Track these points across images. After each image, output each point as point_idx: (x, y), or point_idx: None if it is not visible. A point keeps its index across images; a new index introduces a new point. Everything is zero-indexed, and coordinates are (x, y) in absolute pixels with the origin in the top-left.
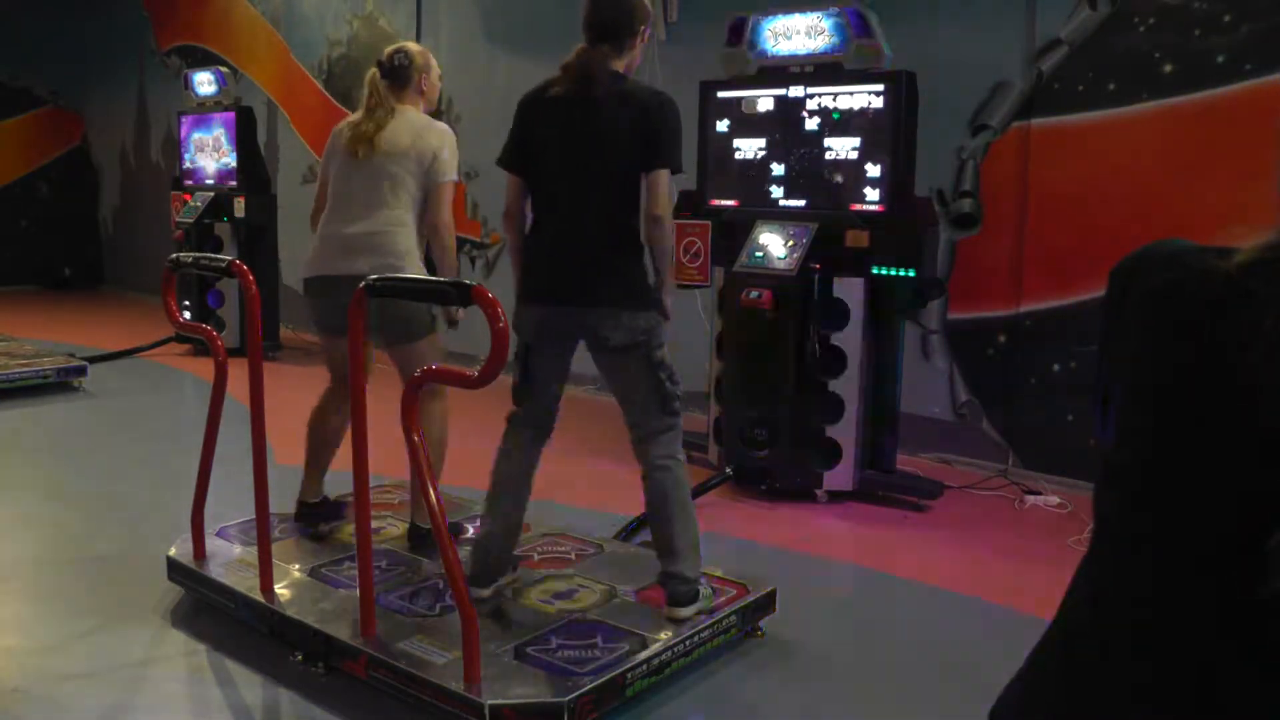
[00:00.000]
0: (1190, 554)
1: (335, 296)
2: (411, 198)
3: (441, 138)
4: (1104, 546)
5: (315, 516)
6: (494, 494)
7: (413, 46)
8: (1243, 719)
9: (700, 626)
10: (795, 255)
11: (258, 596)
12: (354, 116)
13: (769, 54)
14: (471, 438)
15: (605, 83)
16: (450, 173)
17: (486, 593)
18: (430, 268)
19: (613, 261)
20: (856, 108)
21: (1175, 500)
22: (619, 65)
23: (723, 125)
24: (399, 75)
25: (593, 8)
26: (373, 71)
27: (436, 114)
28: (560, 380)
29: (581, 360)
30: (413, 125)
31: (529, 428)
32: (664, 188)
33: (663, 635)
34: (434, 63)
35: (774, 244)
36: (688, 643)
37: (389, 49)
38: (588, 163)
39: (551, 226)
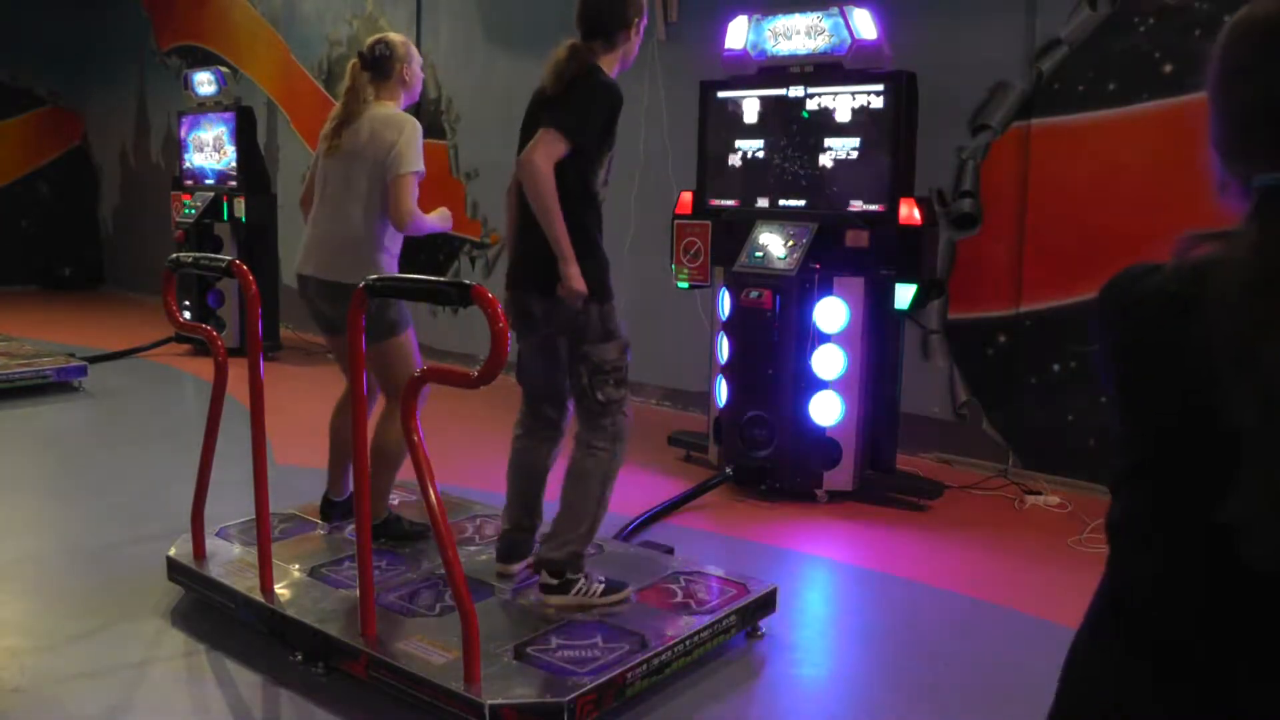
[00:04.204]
0: (1190, 553)
1: (307, 294)
2: (368, 195)
3: (399, 130)
4: (1114, 549)
5: (340, 512)
6: (508, 486)
7: (394, 37)
8: (1256, 711)
9: (700, 626)
10: (795, 255)
11: (258, 596)
12: (333, 111)
13: (769, 54)
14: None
15: (570, 76)
16: (408, 164)
17: (511, 568)
18: (404, 265)
19: (546, 246)
20: (856, 108)
21: (1167, 502)
22: (611, 59)
23: (722, 125)
24: (380, 66)
25: (581, 2)
26: (354, 62)
27: (435, 112)
28: (558, 373)
29: None
30: (373, 120)
31: (532, 421)
32: (544, 140)
33: (664, 635)
34: (416, 53)
35: (774, 244)
36: (688, 643)
37: (370, 39)
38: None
39: (513, 214)
